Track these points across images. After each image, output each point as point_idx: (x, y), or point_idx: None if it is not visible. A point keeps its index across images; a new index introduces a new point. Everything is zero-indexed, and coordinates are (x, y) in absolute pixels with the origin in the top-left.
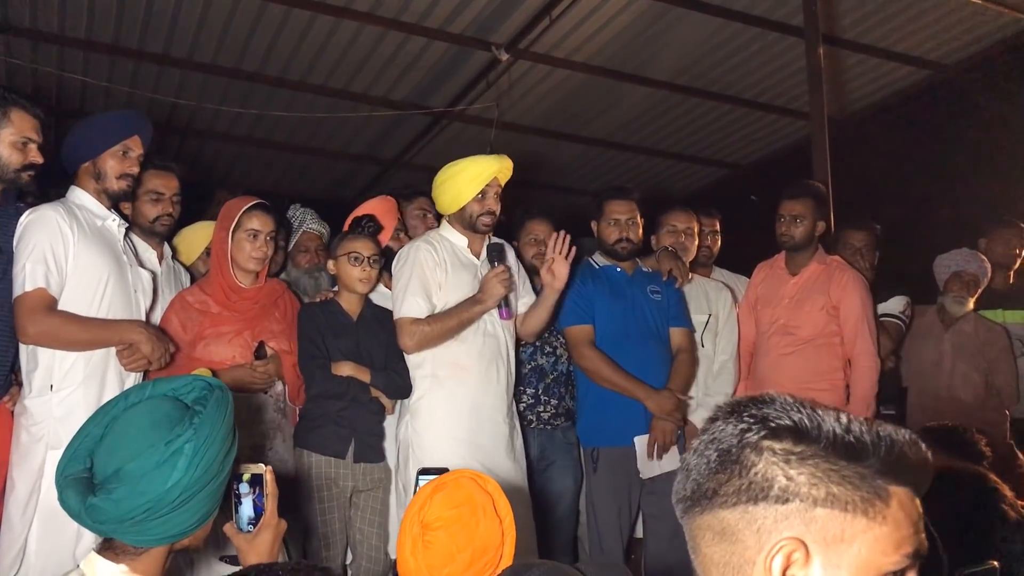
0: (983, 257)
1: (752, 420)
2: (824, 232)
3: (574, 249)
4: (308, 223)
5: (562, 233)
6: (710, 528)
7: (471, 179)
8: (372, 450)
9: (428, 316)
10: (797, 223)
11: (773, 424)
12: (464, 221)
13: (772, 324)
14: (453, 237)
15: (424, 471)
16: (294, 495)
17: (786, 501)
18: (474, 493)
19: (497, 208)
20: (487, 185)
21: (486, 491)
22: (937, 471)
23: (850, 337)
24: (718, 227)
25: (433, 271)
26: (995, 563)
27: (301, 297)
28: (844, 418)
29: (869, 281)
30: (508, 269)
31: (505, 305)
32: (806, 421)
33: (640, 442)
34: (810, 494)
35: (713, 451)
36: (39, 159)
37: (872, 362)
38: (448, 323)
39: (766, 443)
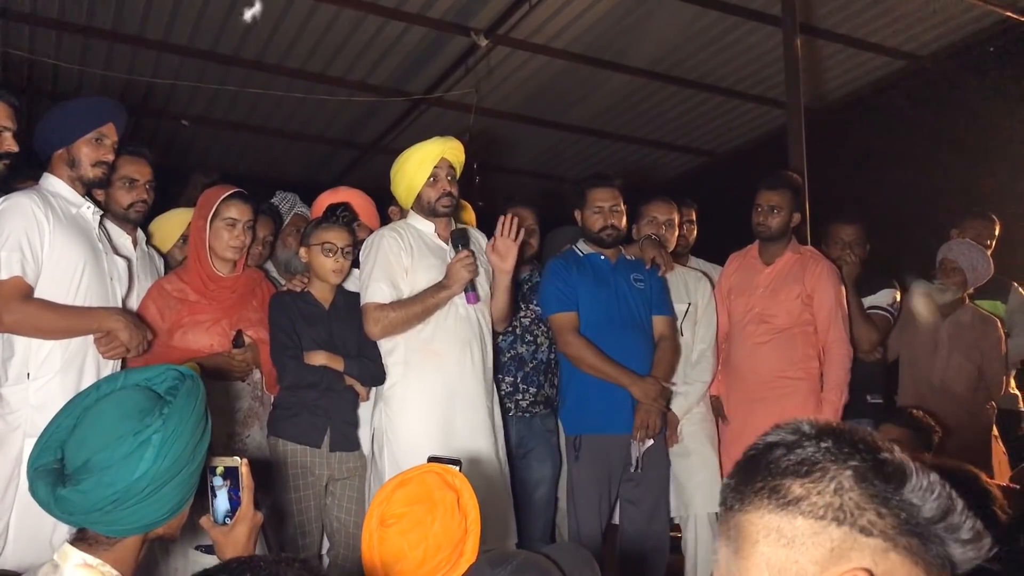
0: (976, 246)
1: (864, 450)
2: (799, 223)
3: (523, 231)
4: (297, 206)
5: (510, 215)
6: (778, 530)
7: (418, 164)
8: (347, 439)
9: (393, 302)
10: (774, 214)
11: (880, 458)
12: (424, 208)
13: (747, 313)
14: (419, 224)
15: (434, 460)
16: (270, 482)
17: (870, 534)
18: (435, 490)
19: (454, 189)
20: (436, 167)
21: (452, 487)
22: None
23: (824, 326)
24: (694, 216)
25: (398, 257)
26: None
27: (291, 279)
28: (923, 468)
29: (858, 275)
30: (472, 254)
31: (471, 289)
32: (905, 468)
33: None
34: (894, 538)
35: (812, 457)
36: (14, 147)
37: (845, 350)
38: (413, 309)
39: (871, 475)
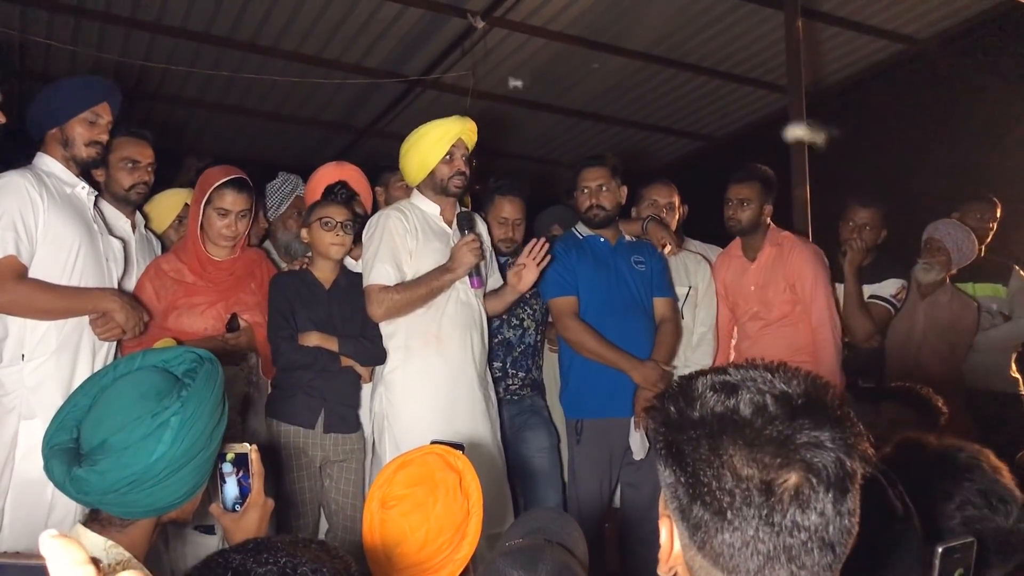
0: (962, 227)
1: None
2: (771, 215)
3: (548, 258)
4: (300, 188)
5: (542, 241)
6: None
7: (436, 141)
8: (344, 421)
9: (397, 284)
10: (744, 207)
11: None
12: (435, 186)
13: (746, 312)
14: (424, 205)
15: (437, 443)
16: (274, 468)
17: None
18: (436, 471)
19: (467, 169)
20: (453, 146)
21: (454, 468)
22: (937, 448)
23: (806, 311)
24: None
25: (403, 238)
26: (973, 539)
27: (291, 262)
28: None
29: (864, 260)
30: (478, 238)
31: (475, 274)
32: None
33: (636, 433)
34: None
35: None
36: (1, 119)
37: (828, 332)
38: (417, 291)
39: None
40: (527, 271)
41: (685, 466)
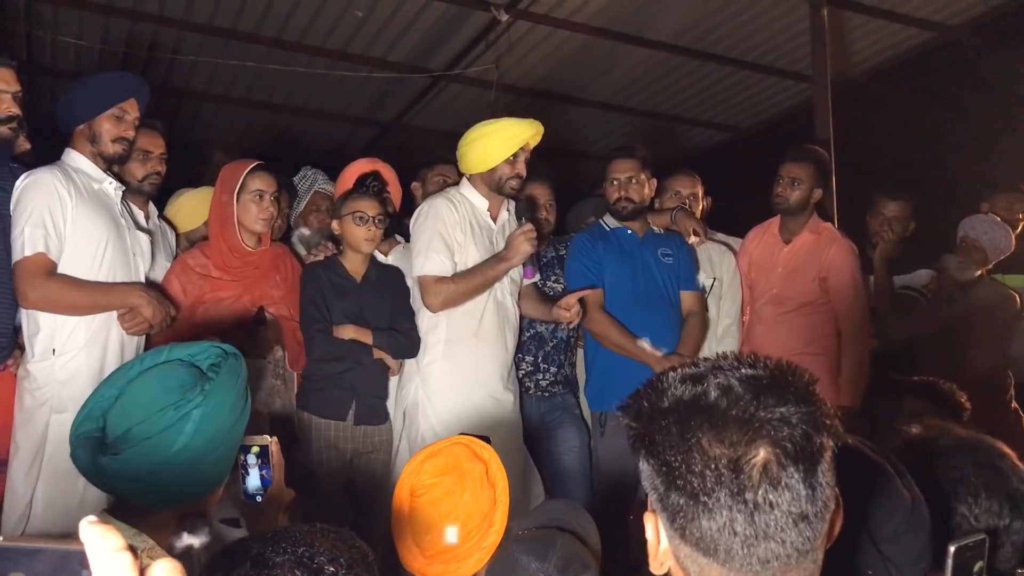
0: (998, 224)
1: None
2: (820, 199)
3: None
4: (320, 183)
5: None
6: None
7: (506, 140)
8: (374, 413)
9: (454, 275)
10: (794, 186)
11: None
12: (491, 182)
13: (765, 293)
14: (473, 198)
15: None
16: (295, 455)
17: None
18: (463, 460)
19: (525, 173)
20: (520, 148)
21: (480, 458)
22: (952, 441)
23: (841, 312)
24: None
25: (454, 229)
26: (985, 535)
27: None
28: None
29: (892, 253)
30: (535, 227)
31: (531, 263)
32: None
33: None
34: None
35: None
36: (15, 109)
37: (854, 332)
38: (473, 281)
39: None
40: (576, 312)
41: (658, 454)
